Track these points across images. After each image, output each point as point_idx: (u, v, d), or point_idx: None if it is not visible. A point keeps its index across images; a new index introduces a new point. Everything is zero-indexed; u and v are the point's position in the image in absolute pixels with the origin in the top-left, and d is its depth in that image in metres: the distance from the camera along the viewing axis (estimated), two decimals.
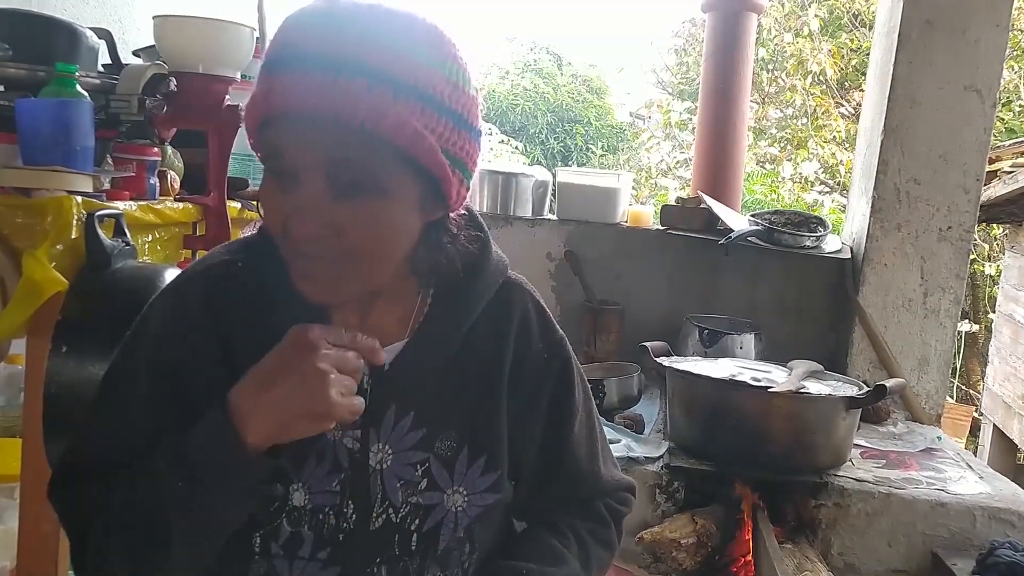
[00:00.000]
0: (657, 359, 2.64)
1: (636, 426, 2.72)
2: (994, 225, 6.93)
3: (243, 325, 0.98)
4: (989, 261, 8.48)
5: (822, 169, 9.64)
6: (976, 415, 7.02)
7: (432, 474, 1.01)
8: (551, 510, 1.15)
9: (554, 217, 3.63)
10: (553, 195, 3.71)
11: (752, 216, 3.43)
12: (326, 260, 0.89)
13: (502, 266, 1.09)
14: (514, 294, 1.09)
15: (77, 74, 1.57)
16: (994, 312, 6.47)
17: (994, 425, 5.45)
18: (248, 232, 1.09)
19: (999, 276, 6.63)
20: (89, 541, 0.94)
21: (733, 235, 3.17)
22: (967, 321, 8.31)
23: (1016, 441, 5.12)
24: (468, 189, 0.96)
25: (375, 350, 0.92)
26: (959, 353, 8.05)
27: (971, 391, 8.51)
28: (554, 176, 3.76)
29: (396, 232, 0.92)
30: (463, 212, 1.02)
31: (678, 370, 2.56)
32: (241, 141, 1.97)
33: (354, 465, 0.98)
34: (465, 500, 1.02)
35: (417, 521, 1.00)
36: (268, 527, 0.96)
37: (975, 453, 5.65)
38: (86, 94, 1.57)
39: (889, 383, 2.43)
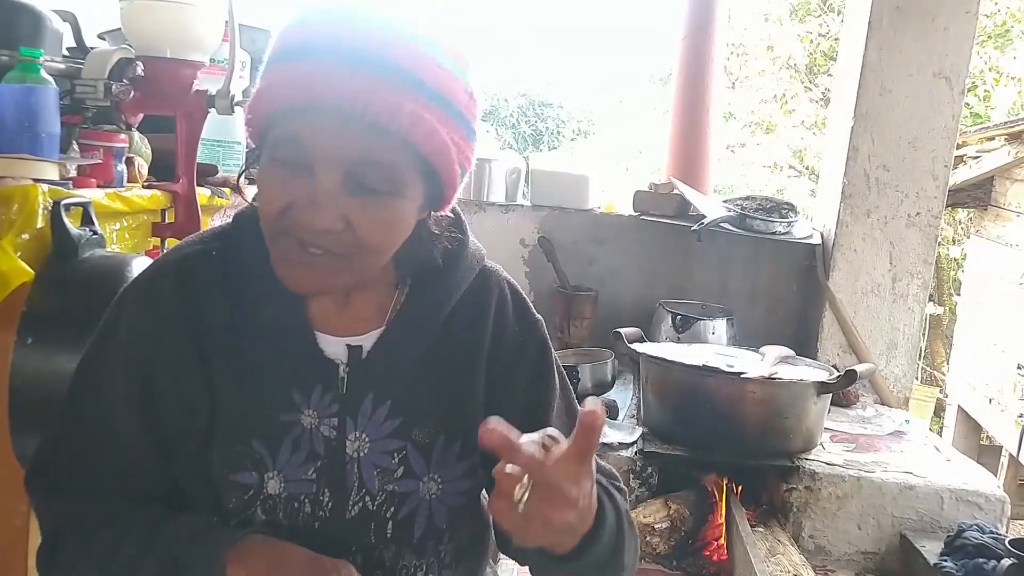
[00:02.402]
0: (631, 345, 2.64)
1: (610, 412, 2.73)
2: (958, 209, 7.02)
3: (218, 316, 0.97)
4: (954, 244, 8.61)
5: (791, 153, 9.72)
6: (941, 396, 7.14)
7: (409, 462, 1.00)
8: None
9: (527, 203, 3.62)
10: (526, 181, 3.70)
11: (724, 201, 3.45)
12: (328, 252, 0.89)
13: (479, 255, 1.09)
14: (491, 280, 1.09)
15: (42, 59, 1.54)
16: (958, 295, 6.57)
17: (958, 406, 5.54)
18: (224, 220, 1.07)
19: (964, 259, 6.73)
20: (60, 559, 0.95)
21: (706, 221, 3.18)
22: (931, 303, 8.44)
23: (980, 422, 5.21)
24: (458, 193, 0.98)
25: None
26: (924, 335, 8.17)
27: (935, 372, 8.65)
28: (527, 162, 3.75)
29: (400, 231, 0.93)
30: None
31: (652, 356, 2.57)
32: (210, 127, 1.94)
33: (331, 453, 0.98)
34: (439, 487, 1.02)
35: (392, 509, 1.00)
36: (242, 515, 0.95)
37: (939, 434, 5.74)
38: (51, 79, 1.54)
39: (860, 368, 2.46)
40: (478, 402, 1.05)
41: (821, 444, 2.60)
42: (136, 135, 1.90)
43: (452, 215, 1.05)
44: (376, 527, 1.00)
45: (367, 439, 0.99)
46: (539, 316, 1.13)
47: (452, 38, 0.89)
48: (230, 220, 1.03)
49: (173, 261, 1.00)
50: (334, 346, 0.99)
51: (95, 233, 1.48)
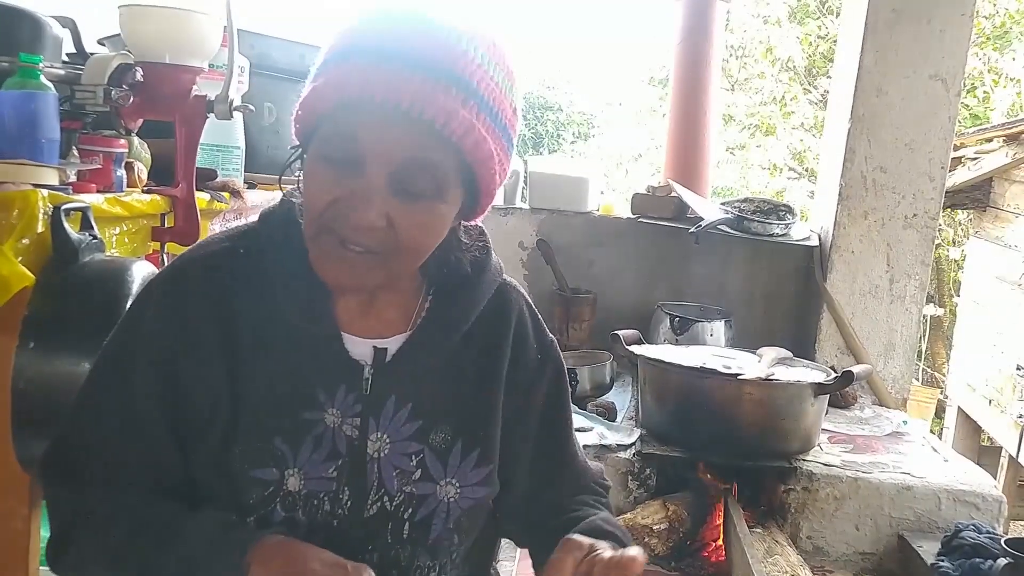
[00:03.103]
0: (629, 347, 2.65)
1: (608, 413, 2.74)
2: (958, 210, 7.03)
3: (244, 313, 0.98)
4: (954, 246, 8.62)
5: (790, 155, 9.73)
6: (941, 397, 7.14)
7: (426, 464, 1.02)
8: (556, 505, 1.16)
9: (526, 206, 3.63)
10: (525, 184, 3.71)
11: (722, 204, 3.46)
12: (365, 249, 0.91)
13: (499, 268, 1.12)
14: (511, 296, 1.12)
15: (41, 65, 1.55)
16: (959, 296, 6.58)
17: (959, 407, 5.55)
18: (223, 225, 1.09)
19: (963, 260, 6.74)
20: (71, 550, 0.97)
21: (704, 223, 3.19)
22: (932, 305, 8.45)
23: (980, 423, 5.21)
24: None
25: None
26: (924, 336, 8.18)
27: (936, 373, 8.66)
28: (526, 165, 3.76)
29: (438, 234, 0.96)
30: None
31: (650, 358, 2.58)
32: (209, 131, 1.95)
33: (352, 453, 0.99)
34: (457, 492, 1.03)
35: (410, 510, 1.01)
36: (262, 512, 0.96)
37: (940, 435, 5.74)
38: (51, 85, 1.54)
39: (856, 369, 2.47)
40: (496, 414, 1.08)
41: (819, 445, 2.61)
42: (135, 140, 1.91)
43: (478, 228, 1.09)
44: (393, 527, 1.01)
45: (388, 440, 1.01)
46: (553, 337, 1.17)
47: (506, 54, 0.92)
48: (256, 219, 1.05)
49: (200, 257, 1.02)
50: (360, 347, 1.01)
51: (95, 238, 1.49)
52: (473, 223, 1.05)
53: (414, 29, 0.87)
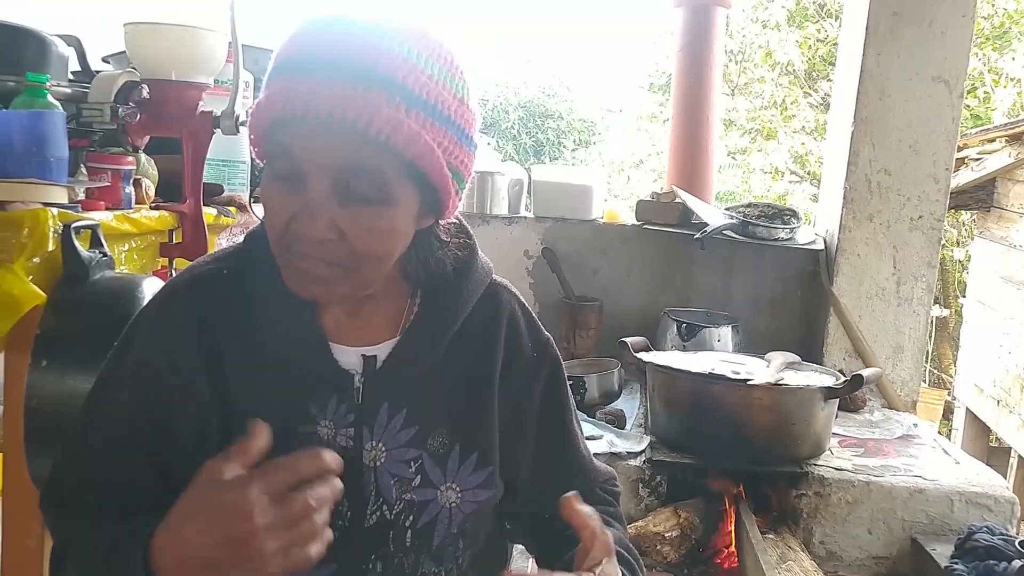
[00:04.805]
0: (637, 354, 2.65)
1: (617, 421, 2.73)
2: (962, 211, 7.02)
3: (232, 334, 0.99)
4: (958, 246, 8.61)
5: (792, 159, 9.73)
6: (949, 398, 7.13)
7: (425, 471, 1.02)
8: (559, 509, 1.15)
9: (530, 215, 3.64)
10: (529, 193, 3.72)
11: (726, 209, 3.46)
12: (324, 261, 0.91)
13: (488, 268, 1.11)
14: (501, 296, 1.12)
15: (48, 84, 1.56)
16: (964, 297, 6.57)
17: (967, 408, 5.53)
18: (230, 239, 1.09)
19: (968, 261, 6.74)
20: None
21: (708, 229, 3.19)
22: (938, 306, 8.44)
23: (989, 424, 5.20)
24: (461, 200, 0.99)
25: (319, 460, 0.85)
26: (931, 338, 8.17)
27: (943, 375, 8.64)
28: (529, 174, 3.76)
29: (395, 238, 0.94)
30: (453, 219, 1.04)
31: (658, 365, 2.57)
32: (215, 147, 1.96)
33: (348, 463, 0.98)
34: (458, 496, 1.03)
35: (411, 518, 1.01)
36: None
37: (949, 436, 5.73)
38: (58, 104, 1.56)
39: (866, 372, 2.46)
40: (492, 415, 1.07)
41: (830, 450, 2.60)
42: (143, 157, 1.92)
43: (459, 228, 1.08)
44: (395, 535, 1.01)
45: (383, 448, 1.01)
46: (549, 335, 1.16)
47: (442, 45, 0.90)
48: (242, 239, 1.06)
49: (186, 281, 1.02)
50: (349, 356, 1.01)
51: (104, 255, 1.50)
52: (449, 221, 1.03)
53: (334, 36, 0.86)
